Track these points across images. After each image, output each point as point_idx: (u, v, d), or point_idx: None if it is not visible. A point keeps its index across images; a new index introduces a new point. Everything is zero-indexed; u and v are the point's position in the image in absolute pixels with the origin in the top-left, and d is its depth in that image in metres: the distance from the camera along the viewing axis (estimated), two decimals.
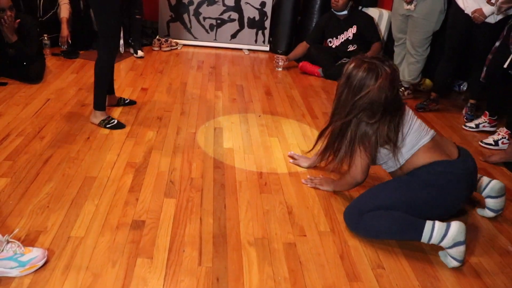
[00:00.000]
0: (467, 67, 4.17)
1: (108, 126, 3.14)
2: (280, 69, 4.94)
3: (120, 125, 3.17)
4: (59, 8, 4.79)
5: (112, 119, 3.19)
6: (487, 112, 3.66)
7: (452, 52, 3.89)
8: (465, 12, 3.68)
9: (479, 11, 3.56)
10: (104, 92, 3.19)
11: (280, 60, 4.92)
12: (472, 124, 3.70)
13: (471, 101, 3.94)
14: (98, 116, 3.17)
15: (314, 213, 2.38)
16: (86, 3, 4.85)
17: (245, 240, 2.12)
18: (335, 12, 4.81)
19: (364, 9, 5.14)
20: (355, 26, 4.73)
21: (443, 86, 4.13)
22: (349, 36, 4.79)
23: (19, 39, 3.76)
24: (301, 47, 5.02)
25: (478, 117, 3.77)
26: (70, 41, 4.69)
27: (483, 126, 3.65)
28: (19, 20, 3.76)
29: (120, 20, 3.09)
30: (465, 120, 3.86)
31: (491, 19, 3.55)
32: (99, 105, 3.18)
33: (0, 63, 3.82)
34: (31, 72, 3.85)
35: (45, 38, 4.61)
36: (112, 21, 2.97)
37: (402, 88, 4.37)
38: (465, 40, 3.78)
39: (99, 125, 3.15)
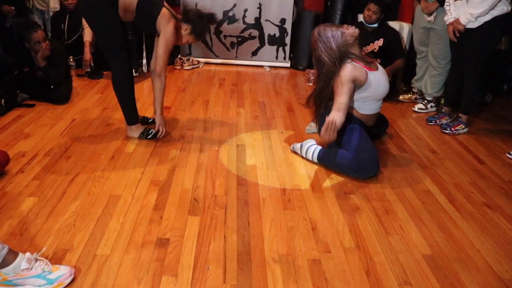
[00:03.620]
0: (489, 77, 4.10)
1: (149, 137, 3.26)
2: (311, 84, 4.96)
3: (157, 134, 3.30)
4: (83, 31, 4.92)
5: (150, 129, 3.30)
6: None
7: (456, 64, 3.87)
8: (447, 23, 3.72)
9: (456, 21, 3.60)
10: (132, 106, 3.25)
11: (312, 75, 4.93)
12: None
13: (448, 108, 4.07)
14: (135, 130, 3.27)
15: (339, 229, 2.36)
16: None
17: (269, 257, 2.11)
18: (366, 24, 4.81)
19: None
20: (382, 39, 4.71)
21: (454, 99, 4.05)
22: (375, 49, 4.77)
23: (48, 64, 3.87)
24: None
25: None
26: (92, 64, 4.80)
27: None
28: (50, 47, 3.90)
29: (124, 32, 3.10)
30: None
31: (473, 25, 3.54)
32: (131, 119, 3.26)
33: (29, 85, 3.94)
34: (59, 94, 3.95)
35: (71, 60, 4.73)
36: (112, 35, 3.00)
37: (425, 101, 4.33)
38: (464, 50, 3.72)
39: (140, 138, 3.25)
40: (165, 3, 3.07)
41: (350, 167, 2.87)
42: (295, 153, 3.20)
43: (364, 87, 2.95)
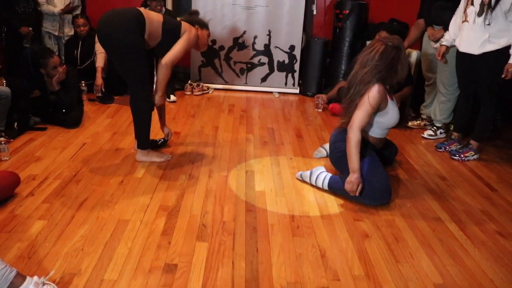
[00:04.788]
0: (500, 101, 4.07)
1: (159, 143, 3.58)
2: (320, 110, 4.98)
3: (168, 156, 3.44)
4: (95, 56, 5.00)
5: (159, 139, 3.62)
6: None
7: (463, 90, 3.86)
8: (460, 50, 3.70)
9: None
10: (147, 131, 3.32)
11: (321, 100, 4.96)
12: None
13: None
14: (145, 155, 3.35)
15: (348, 256, 2.33)
16: None
17: (277, 284, 2.08)
18: None
19: None
20: None
21: (463, 125, 4.04)
22: None
23: (61, 88, 3.93)
24: (341, 86, 5.05)
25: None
26: (103, 89, 4.87)
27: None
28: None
29: (147, 63, 3.20)
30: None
31: (478, 50, 3.53)
32: (143, 144, 3.34)
33: (42, 109, 4.01)
34: (70, 118, 4.00)
35: (83, 84, 4.79)
36: (141, 65, 3.10)
37: (434, 127, 4.32)
38: (472, 77, 3.71)
39: (152, 147, 3.45)
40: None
41: (363, 196, 2.85)
42: (302, 181, 3.18)
43: (382, 113, 2.97)
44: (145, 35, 3.07)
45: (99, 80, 4.86)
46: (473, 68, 3.61)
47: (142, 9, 3.14)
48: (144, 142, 3.32)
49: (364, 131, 3.03)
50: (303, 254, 2.33)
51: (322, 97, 4.99)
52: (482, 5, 3.40)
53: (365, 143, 3.04)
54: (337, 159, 3.11)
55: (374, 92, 2.84)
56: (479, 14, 3.43)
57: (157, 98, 3.37)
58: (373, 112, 2.91)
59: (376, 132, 3.09)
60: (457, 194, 3.13)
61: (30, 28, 4.72)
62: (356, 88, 2.94)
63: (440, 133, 4.31)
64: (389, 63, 2.88)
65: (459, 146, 3.88)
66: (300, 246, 2.40)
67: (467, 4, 3.56)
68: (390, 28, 4.71)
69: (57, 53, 5.04)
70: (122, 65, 3.13)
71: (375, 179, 2.84)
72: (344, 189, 2.88)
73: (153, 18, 3.13)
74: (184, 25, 3.25)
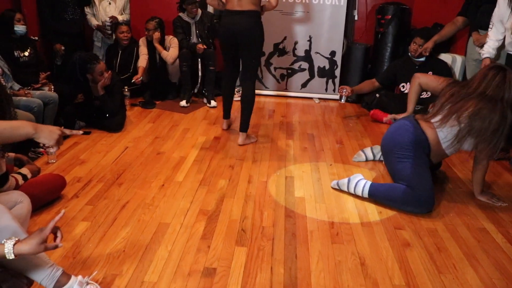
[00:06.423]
0: None
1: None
2: (343, 101, 4.91)
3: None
4: (135, 63, 5.13)
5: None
6: None
7: None
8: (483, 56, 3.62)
9: None
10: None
11: (345, 90, 4.88)
12: None
13: None
14: (245, 136, 3.92)
15: (388, 265, 2.29)
16: (160, 57, 5.14)
17: None
18: (412, 58, 4.77)
19: (438, 56, 5.05)
20: (431, 72, 4.65)
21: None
22: None
23: (105, 93, 4.04)
24: (369, 83, 4.98)
25: None
26: (141, 81, 5.03)
27: None
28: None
29: None
30: None
31: None
32: (247, 127, 3.94)
33: (87, 114, 4.13)
34: (114, 123, 4.11)
35: (125, 89, 4.90)
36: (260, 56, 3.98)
37: None
38: None
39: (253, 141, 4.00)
40: None
41: (404, 201, 2.80)
42: (339, 190, 3.11)
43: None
44: None
45: (139, 75, 5.00)
46: None
47: None
48: (248, 125, 3.94)
49: (443, 150, 2.94)
50: (343, 262, 2.30)
51: (347, 89, 4.90)
52: None
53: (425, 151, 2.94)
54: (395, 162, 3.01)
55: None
56: None
57: None
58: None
59: (449, 148, 2.94)
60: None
61: (63, 48, 4.86)
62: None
63: None
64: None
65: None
66: (340, 253, 2.37)
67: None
68: (423, 33, 4.64)
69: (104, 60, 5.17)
70: (257, 54, 3.88)
71: (420, 186, 2.78)
72: (386, 198, 2.83)
73: None
74: None
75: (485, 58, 3.69)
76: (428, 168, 2.91)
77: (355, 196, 3.02)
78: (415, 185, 2.78)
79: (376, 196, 2.92)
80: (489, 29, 3.63)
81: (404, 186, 2.82)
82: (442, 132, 2.86)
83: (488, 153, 2.80)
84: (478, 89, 2.78)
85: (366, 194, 2.95)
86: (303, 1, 5.42)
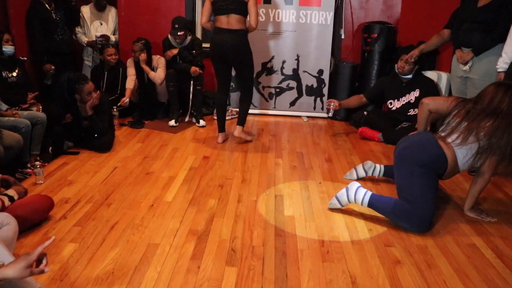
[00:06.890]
0: None
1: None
2: (330, 114, 4.91)
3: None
4: (121, 85, 5.15)
5: None
6: None
7: None
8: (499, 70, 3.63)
9: None
10: None
11: (333, 104, 4.85)
12: None
13: None
14: (246, 132, 4.51)
15: (379, 283, 2.28)
16: (148, 78, 5.15)
17: None
18: (399, 75, 4.82)
19: (423, 72, 5.11)
20: (418, 90, 4.70)
21: None
22: (411, 100, 4.75)
23: (94, 113, 4.03)
24: (357, 98, 5.00)
25: None
26: (129, 102, 5.09)
27: None
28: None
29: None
30: None
31: None
32: (244, 121, 4.49)
33: (75, 134, 4.11)
34: (102, 143, 4.08)
35: (114, 109, 4.89)
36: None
37: None
38: None
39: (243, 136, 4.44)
40: None
41: (403, 217, 2.79)
42: (336, 209, 3.08)
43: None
44: None
45: (125, 98, 5.03)
46: None
47: None
48: (244, 120, 4.45)
49: (458, 168, 2.95)
50: (333, 280, 2.29)
51: (334, 102, 4.89)
52: None
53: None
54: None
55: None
56: None
57: None
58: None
59: (464, 164, 2.92)
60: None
61: (53, 67, 4.86)
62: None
63: None
64: None
65: None
66: (330, 272, 2.36)
67: None
68: (409, 51, 4.70)
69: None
70: (250, 68, 4.37)
71: (424, 206, 2.77)
72: (386, 211, 2.84)
73: None
74: None
75: (499, 72, 3.68)
76: (436, 191, 2.92)
77: (346, 213, 3.02)
78: (418, 204, 2.77)
79: (376, 207, 2.91)
80: (506, 44, 3.64)
81: (407, 203, 2.80)
82: (461, 151, 2.86)
83: (510, 168, 2.86)
84: (491, 105, 2.80)
85: (366, 204, 2.92)
86: (291, 21, 5.49)
